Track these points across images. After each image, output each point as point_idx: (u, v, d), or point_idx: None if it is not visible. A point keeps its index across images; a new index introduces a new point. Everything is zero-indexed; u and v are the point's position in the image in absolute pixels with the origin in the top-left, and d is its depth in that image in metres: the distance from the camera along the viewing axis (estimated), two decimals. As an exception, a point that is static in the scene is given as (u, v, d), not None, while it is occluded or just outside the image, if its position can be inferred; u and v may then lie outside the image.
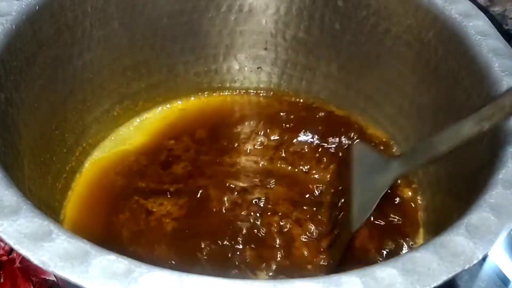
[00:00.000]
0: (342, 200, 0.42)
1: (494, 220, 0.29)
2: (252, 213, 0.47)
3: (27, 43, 0.41)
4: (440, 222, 0.43)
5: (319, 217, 0.46)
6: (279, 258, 0.44)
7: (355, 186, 0.40)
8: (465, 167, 0.41)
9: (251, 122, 0.56)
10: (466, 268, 0.27)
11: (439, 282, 0.26)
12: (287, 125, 0.55)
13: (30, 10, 0.41)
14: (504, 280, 0.49)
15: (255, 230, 0.45)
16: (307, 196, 0.48)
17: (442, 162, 0.46)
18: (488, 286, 0.49)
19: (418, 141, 0.48)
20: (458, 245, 0.28)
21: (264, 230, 0.45)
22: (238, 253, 0.44)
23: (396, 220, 0.47)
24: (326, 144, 0.53)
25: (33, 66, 0.42)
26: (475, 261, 0.28)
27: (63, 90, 0.47)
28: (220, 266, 0.43)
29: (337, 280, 0.26)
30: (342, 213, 0.42)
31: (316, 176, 0.50)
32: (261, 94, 0.60)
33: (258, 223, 0.46)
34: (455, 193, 0.42)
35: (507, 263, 0.50)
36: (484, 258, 0.38)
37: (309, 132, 0.54)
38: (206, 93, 0.59)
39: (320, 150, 0.52)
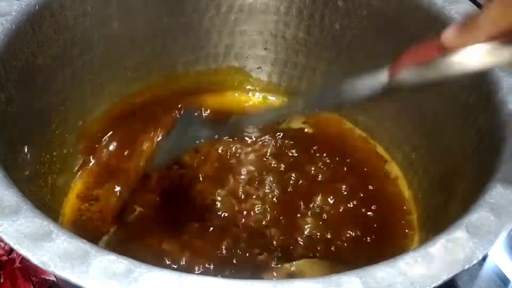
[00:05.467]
0: None
1: (494, 220, 0.29)
2: None
3: (27, 43, 0.41)
4: (436, 223, 0.43)
5: None
6: None
7: (171, 135, 0.46)
8: (461, 166, 0.41)
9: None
10: (466, 268, 0.27)
11: (439, 282, 0.26)
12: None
13: (30, 10, 0.41)
14: (504, 280, 0.49)
15: None
16: None
17: (437, 161, 0.47)
18: (488, 286, 0.49)
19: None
20: (458, 245, 0.28)
21: None
22: None
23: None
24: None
25: (33, 66, 0.42)
26: (475, 261, 0.28)
27: (63, 90, 0.47)
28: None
29: (337, 280, 0.26)
30: None
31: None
32: (261, 94, 0.60)
33: None
34: (450, 193, 0.42)
35: (507, 263, 0.50)
36: (484, 258, 0.38)
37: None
38: (206, 93, 0.59)
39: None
